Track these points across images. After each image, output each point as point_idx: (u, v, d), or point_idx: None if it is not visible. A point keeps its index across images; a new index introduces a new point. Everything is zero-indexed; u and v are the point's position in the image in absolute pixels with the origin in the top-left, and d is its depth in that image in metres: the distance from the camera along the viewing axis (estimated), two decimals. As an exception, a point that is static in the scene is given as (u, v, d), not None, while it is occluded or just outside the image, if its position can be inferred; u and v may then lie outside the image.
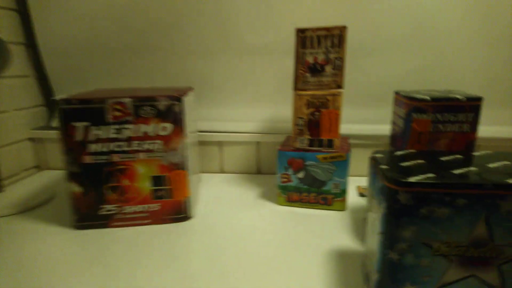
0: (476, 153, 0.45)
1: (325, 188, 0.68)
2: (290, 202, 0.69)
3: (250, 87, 0.86)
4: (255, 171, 0.90)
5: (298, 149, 0.67)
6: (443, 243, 0.37)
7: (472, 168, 0.39)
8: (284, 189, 0.69)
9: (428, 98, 0.49)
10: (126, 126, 0.59)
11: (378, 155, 0.44)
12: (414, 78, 0.80)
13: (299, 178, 0.68)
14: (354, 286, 0.46)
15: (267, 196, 0.75)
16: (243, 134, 0.87)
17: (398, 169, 0.39)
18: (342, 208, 0.68)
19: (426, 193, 0.36)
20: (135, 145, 0.60)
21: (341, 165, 0.66)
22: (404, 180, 0.36)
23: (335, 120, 0.66)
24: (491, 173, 0.38)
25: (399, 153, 0.45)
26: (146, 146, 0.60)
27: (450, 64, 0.78)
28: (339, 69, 0.64)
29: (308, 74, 0.64)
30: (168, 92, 0.63)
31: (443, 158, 0.43)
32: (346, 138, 0.75)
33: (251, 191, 0.78)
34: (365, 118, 0.84)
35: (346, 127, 0.83)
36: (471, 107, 0.48)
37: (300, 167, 0.67)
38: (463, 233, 0.36)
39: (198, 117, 0.83)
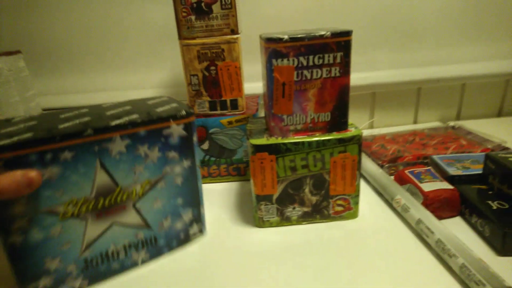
0: (105, 105, 0.40)
1: (235, 157, 0.57)
2: (199, 178, 0.58)
3: (122, 43, 0.69)
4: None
5: (197, 115, 0.55)
6: (69, 204, 0.33)
7: (86, 119, 0.34)
8: (189, 164, 0.57)
9: (286, 37, 0.37)
10: None
11: None
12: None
13: (204, 150, 0.56)
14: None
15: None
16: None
17: None
18: (256, 179, 0.58)
19: (18, 157, 0.29)
20: None
21: (248, 128, 0.55)
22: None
23: (236, 74, 0.53)
24: (102, 120, 0.34)
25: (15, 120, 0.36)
26: None
27: None
28: (229, 8, 0.50)
29: (192, 17, 0.51)
30: None
31: (63, 116, 0.36)
32: (255, 97, 0.63)
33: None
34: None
35: (257, 86, 0.66)
36: (338, 45, 0.38)
37: (203, 136, 0.56)
38: (86, 186, 0.33)
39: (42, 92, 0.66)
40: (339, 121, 0.41)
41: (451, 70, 0.73)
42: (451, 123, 0.70)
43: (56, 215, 0.32)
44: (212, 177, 0.58)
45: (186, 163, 0.39)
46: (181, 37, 0.52)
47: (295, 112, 0.40)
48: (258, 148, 0.41)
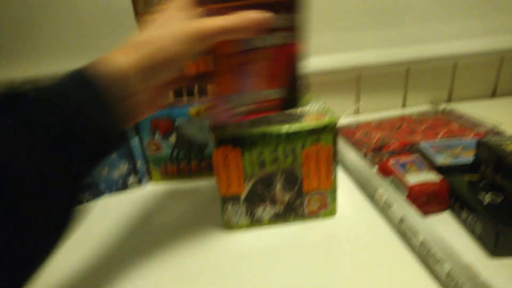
0: None
1: (207, 151, 0.52)
2: (167, 175, 0.53)
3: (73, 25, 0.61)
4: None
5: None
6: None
7: None
8: (155, 161, 0.52)
9: None
10: None
11: None
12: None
13: (171, 145, 0.51)
14: None
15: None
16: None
17: None
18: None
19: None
20: None
21: (212, 118, 0.49)
22: None
23: (202, 57, 0.47)
24: None
25: None
26: None
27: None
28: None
29: (148, -6, 0.44)
30: None
31: None
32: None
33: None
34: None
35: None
36: (284, 3, 0.31)
37: (169, 129, 0.50)
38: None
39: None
40: (293, 97, 0.35)
41: (441, 48, 0.68)
42: (442, 106, 0.66)
43: None
44: (182, 174, 0.53)
45: None
46: (137, 14, 0.46)
47: (240, 91, 0.34)
48: (221, 141, 0.36)
